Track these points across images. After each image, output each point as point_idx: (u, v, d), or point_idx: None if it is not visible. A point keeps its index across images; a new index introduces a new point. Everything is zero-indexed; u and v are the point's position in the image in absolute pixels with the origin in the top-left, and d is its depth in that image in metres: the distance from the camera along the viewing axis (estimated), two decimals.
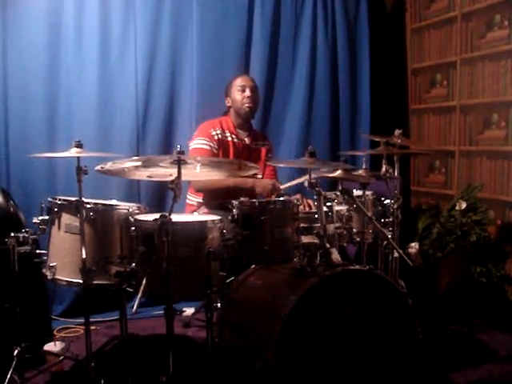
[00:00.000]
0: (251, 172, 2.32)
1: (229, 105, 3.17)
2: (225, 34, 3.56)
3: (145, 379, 2.18)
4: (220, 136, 3.04)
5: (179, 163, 1.87)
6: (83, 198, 2.06)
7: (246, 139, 3.17)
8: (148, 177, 2.18)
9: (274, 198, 2.85)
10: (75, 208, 2.08)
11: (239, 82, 3.14)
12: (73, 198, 2.14)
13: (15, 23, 3.07)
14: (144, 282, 1.99)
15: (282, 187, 2.93)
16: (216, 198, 2.92)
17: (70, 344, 2.53)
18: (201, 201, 3.05)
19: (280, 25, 3.75)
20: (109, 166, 2.02)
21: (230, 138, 3.09)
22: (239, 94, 3.10)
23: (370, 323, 1.94)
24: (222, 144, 3.04)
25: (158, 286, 1.91)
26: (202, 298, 2.63)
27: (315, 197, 2.07)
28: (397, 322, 1.97)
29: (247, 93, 3.10)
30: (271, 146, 3.33)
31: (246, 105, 3.09)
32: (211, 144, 2.99)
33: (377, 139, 2.65)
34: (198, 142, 3.01)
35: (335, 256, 2.05)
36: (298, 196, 2.68)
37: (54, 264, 2.15)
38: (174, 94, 3.48)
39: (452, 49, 3.84)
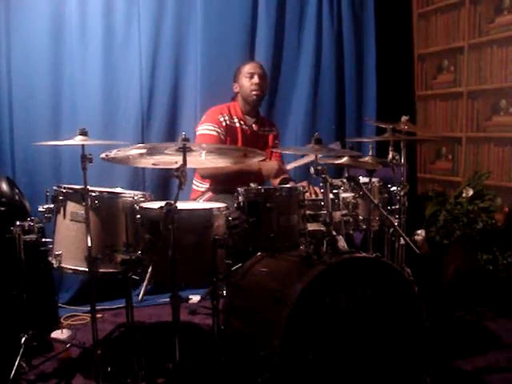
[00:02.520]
0: (257, 159, 2.31)
1: (237, 90, 3.16)
2: (229, 20, 3.52)
3: (151, 367, 2.19)
4: (228, 122, 3.03)
5: (184, 150, 1.86)
6: (88, 186, 2.05)
7: (253, 125, 3.16)
8: (153, 164, 2.17)
9: (280, 179, 2.85)
10: (80, 196, 2.07)
11: (248, 68, 3.12)
12: (78, 186, 2.14)
13: (19, 12, 3.04)
14: (150, 269, 1.99)
15: (287, 167, 2.91)
16: (223, 184, 2.91)
17: (76, 331, 2.55)
18: (207, 186, 3.04)
19: (285, 10, 3.71)
20: (114, 153, 2.00)
21: (237, 124, 3.08)
22: (247, 80, 3.09)
23: (376, 311, 1.93)
24: (229, 130, 3.03)
25: (163, 274, 1.90)
26: (207, 285, 2.63)
27: (321, 184, 2.06)
28: (403, 309, 1.97)
29: (255, 80, 3.08)
30: (278, 133, 3.32)
31: (254, 92, 3.08)
32: (219, 130, 2.98)
33: (383, 126, 2.63)
34: (205, 128, 3.00)
35: (341, 243, 2.03)
36: (305, 183, 2.67)
37: (60, 252, 2.15)
38: (179, 81, 3.45)
39: (459, 34, 3.80)
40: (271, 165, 2.93)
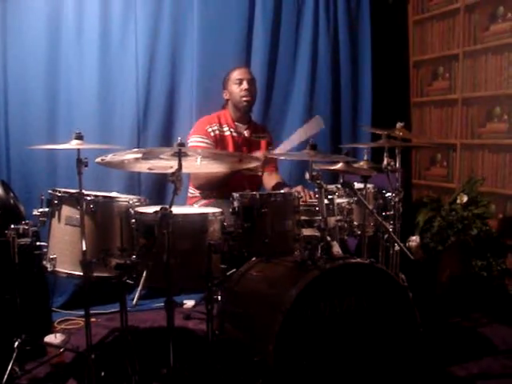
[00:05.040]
0: (252, 165, 2.31)
1: (226, 97, 3.15)
2: (226, 25, 3.53)
3: (145, 371, 2.18)
4: (217, 132, 3.02)
5: (180, 155, 1.86)
6: (83, 190, 2.05)
7: (244, 132, 3.14)
8: (148, 169, 2.17)
9: (274, 185, 2.83)
10: (75, 200, 2.07)
11: (236, 74, 3.11)
12: (73, 190, 2.13)
13: (15, 14, 3.05)
14: (144, 274, 1.98)
15: (277, 151, 2.86)
16: (218, 190, 2.91)
17: (70, 336, 2.54)
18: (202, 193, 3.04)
19: (281, 16, 3.72)
20: (109, 157, 2.01)
21: (228, 133, 3.07)
22: (236, 87, 3.08)
23: (370, 316, 1.93)
24: (219, 140, 3.01)
25: (158, 279, 1.90)
26: (202, 290, 2.63)
27: (316, 189, 2.06)
28: (397, 315, 1.97)
29: (244, 85, 3.07)
30: (271, 138, 3.31)
31: (244, 98, 3.07)
32: (208, 141, 2.97)
33: (378, 132, 2.64)
34: (193, 140, 2.99)
35: (336, 249, 2.04)
36: (300, 187, 2.67)
37: (54, 256, 2.15)
38: (175, 86, 3.46)
39: (454, 41, 3.82)
40: (257, 155, 2.83)
